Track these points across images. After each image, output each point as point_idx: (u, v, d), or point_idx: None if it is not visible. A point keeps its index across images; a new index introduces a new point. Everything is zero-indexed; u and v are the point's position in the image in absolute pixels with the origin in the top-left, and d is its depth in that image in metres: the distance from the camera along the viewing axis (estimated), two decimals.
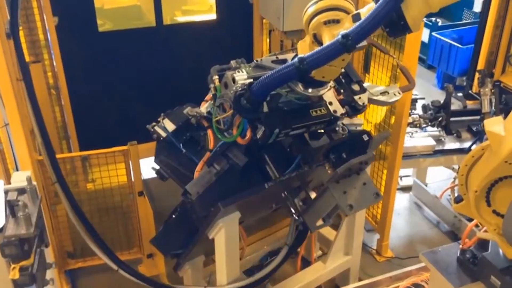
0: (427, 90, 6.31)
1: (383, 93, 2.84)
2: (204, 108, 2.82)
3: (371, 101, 2.78)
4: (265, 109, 2.42)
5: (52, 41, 3.76)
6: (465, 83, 4.93)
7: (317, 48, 2.07)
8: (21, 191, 2.11)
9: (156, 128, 2.98)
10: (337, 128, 2.74)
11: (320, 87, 2.48)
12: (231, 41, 4.33)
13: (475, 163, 2.07)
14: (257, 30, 4.38)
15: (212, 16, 4.37)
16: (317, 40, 2.29)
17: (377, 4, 1.91)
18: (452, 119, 4.17)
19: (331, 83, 2.58)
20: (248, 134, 2.51)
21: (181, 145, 2.92)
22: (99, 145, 3.41)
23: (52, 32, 3.73)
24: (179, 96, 3.11)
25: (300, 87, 2.44)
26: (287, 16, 3.59)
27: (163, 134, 2.95)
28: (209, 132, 2.77)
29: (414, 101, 4.10)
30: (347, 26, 2.11)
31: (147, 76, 4.22)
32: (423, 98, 4.36)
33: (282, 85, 2.36)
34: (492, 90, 4.03)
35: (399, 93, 2.90)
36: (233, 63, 2.57)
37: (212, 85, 2.53)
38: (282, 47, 4.29)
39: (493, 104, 4.02)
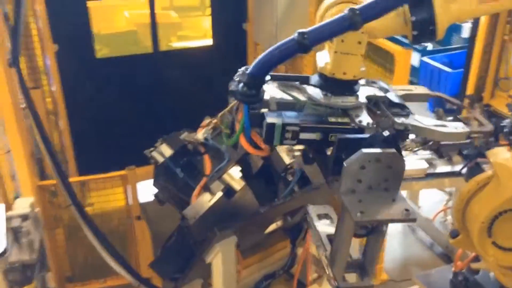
0: (418, 113, 6.37)
1: (438, 126, 2.33)
2: (200, 134, 2.88)
3: (420, 130, 2.27)
4: (273, 106, 2.25)
5: (51, 68, 3.84)
6: (455, 107, 5.03)
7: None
8: (24, 217, 2.16)
9: (153, 153, 3.03)
10: None
11: (344, 95, 2.24)
12: (227, 66, 4.41)
13: (472, 197, 2.10)
14: (251, 55, 4.48)
15: (209, 41, 4.47)
16: None
17: None
18: (443, 142, 4.25)
19: (362, 99, 2.26)
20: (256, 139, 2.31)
21: (178, 170, 2.97)
22: (97, 169, 3.47)
23: (51, 59, 3.81)
24: (176, 121, 3.18)
25: (319, 94, 2.25)
26: (280, 41, 3.69)
27: (161, 159, 3.00)
28: (206, 157, 2.83)
29: None
30: None
31: (144, 101, 4.30)
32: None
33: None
34: (481, 115, 4.12)
35: (462, 128, 2.31)
36: None
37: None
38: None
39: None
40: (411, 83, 6.84)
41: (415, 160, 4.14)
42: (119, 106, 4.23)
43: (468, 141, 4.26)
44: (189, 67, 4.39)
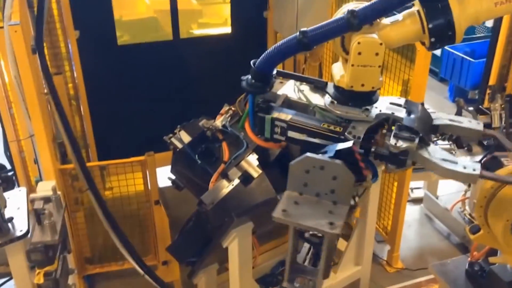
0: (439, 103, 6.36)
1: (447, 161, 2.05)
2: (219, 121, 2.92)
3: (424, 161, 2.07)
4: (279, 102, 2.35)
5: (73, 54, 3.90)
6: (477, 97, 4.97)
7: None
8: (46, 200, 2.23)
9: (173, 139, 3.08)
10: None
11: (360, 107, 2.21)
12: (246, 54, 4.41)
13: (494, 193, 2.10)
14: (270, 44, 4.48)
15: (227, 29, 4.48)
16: (344, 49, 2.23)
17: None
18: None
19: (373, 113, 2.21)
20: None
21: (196, 156, 3.02)
22: (116, 154, 3.53)
23: (73, 45, 3.87)
24: (195, 108, 3.21)
25: (330, 102, 2.26)
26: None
27: (179, 145, 3.05)
28: (224, 144, 2.86)
29: None
30: (381, 30, 2.09)
31: (164, 88, 4.34)
32: (434, 112, 4.41)
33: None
34: (502, 106, 4.07)
35: (473, 168, 1.96)
36: None
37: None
38: (295, 62, 4.38)
39: (503, 119, 4.06)
40: (433, 72, 6.77)
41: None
42: (139, 92, 4.29)
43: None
44: (209, 54, 4.41)
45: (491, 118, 4.11)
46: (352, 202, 2.00)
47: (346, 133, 2.12)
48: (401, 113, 2.23)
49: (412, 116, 2.20)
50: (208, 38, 4.55)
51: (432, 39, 2.06)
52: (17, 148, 3.66)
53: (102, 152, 4.25)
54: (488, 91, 4.41)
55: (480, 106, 4.57)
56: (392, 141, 2.03)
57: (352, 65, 2.11)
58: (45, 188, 2.30)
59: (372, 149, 2.11)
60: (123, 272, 3.11)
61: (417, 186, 4.85)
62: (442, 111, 4.40)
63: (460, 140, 4.20)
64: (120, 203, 3.58)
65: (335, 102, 2.25)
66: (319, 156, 1.92)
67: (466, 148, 4.23)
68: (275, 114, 2.27)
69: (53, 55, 3.80)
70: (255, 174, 2.73)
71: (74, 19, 3.80)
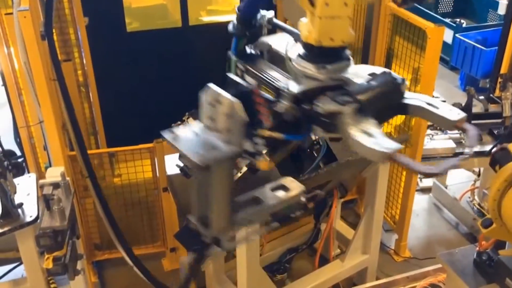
0: (449, 91, 6.30)
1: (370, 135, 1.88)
2: None
3: (344, 132, 1.92)
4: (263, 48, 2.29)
5: (82, 41, 3.89)
6: (488, 86, 4.93)
7: None
8: (55, 185, 2.24)
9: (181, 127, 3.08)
10: None
11: (331, 63, 2.07)
12: None
13: (508, 187, 2.07)
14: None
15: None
16: (311, 1, 2.06)
17: None
18: (473, 121, 4.16)
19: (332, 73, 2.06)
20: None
21: None
22: (125, 141, 3.54)
23: (82, 32, 3.86)
24: None
25: (297, 56, 2.13)
26: None
27: None
28: None
29: None
30: None
31: (173, 75, 4.33)
32: (444, 101, 4.37)
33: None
34: None
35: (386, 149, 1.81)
36: None
37: None
38: None
39: None
40: (443, 60, 6.70)
41: (443, 139, 4.10)
42: (148, 79, 4.29)
43: (499, 120, 4.20)
44: (218, 41, 4.37)
45: (502, 107, 4.07)
46: (251, 149, 1.99)
47: (281, 87, 2.08)
48: (361, 80, 2.09)
49: (365, 84, 2.05)
50: (217, 25, 4.52)
51: None
52: (27, 134, 3.69)
53: (111, 139, 4.27)
54: (499, 79, 4.36)
55: (491, 95, 4.53)
56: (322, 101, 1.96)
57: (320, 18, 1.98)
58: (54, 174, 2.31)
59: (307, 107, 2.02)
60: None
61: None
62: (452, 100, 4.40)
63: None
64: (129, 190, 3.60)
65: (302, 57, 2.10)
66: (219, 90, 1.91)
67: None
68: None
69: (63, 42, 3.80)
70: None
71: (84, 6, 3.79)
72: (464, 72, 6.53)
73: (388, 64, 3.81)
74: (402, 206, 3.93)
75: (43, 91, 2.72)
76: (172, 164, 3.37)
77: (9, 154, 3.93)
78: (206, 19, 4.61)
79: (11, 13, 2.87)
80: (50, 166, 3.01)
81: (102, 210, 3.01)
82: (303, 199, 2.29)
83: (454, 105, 4.15)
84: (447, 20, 6.90)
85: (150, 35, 4.23)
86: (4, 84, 3.63)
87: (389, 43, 3.75)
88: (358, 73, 2.13)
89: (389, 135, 3.86)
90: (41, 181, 2.28)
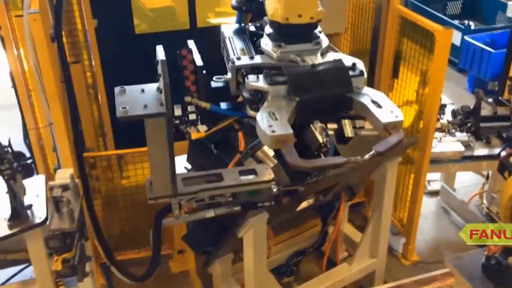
0: (457, 94, 6.27)
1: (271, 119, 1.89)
2: None
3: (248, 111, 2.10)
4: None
5: (91, 43, 3.91)
6: (496, 88, 4.90)
7: None
8: (64, 187, 2.25)
9: (188, 129, 3.09)
10: None
11: (289, 43, 2.04)
12: None
13: None
14: None
15: None
16: None
17: None
18: (481, 124, 4.16)
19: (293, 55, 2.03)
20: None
21: (212, 146, 3.02)
22: (133, 142, 3.54)
23: (91, 34, 3.88)
24: None
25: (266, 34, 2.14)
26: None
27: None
28: (240, 134, 2.86)
29: (443, 106, 4.11)
30: None
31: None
32: (453, 104, 4.36)
33: None
34: None
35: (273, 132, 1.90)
36: None
37: None
38: None
39: None
40: (452, 63, 6.67)
41: (451, 142, 4.08)
42: (156, 81, 4.29)
43: (508, 123, 4.18)
44: None
45: (511, 110, 4.05)
46: (177, 112, 2.10)
47: (231, 58, 2.12)
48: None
49: (305, 68, 1.96)
50: None
51: None
52: (36, 136, 3.71)
53: (119, 140, 4.28)
54: (508, 82, 4.34)
55: (499, 98, 4.50)
56: (252, 77, 1.93)
57: None
58: (64, 176, 2.32)
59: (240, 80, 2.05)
60: (139, 260, 3.16)
61: (434, 179, 4.81)
62: (461, 103, 4.38)
63: (478, 131, 4.15)
64: (137, 192, 3.60)
65: (283, 44, 2.06)
66: (160, 57, 2.09)
67: (484, 140, 4.18)
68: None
69: (72, 44, 3.82)
70: (271, 164, 2.73)
71: (93, 8, 3.81)
72: (473, 75, 6.50)
73: (396, 66, 3.81)
74: (410, 209, 3.92)
75: (53, 93, 2.74)
76: (180, 166, 3.38)
77: (19, 155, 3.95)
78: (214, 21, 4.61)
79: (21, 15, 2.89)
80: (59, 167, 3.02)
81: (88, 212, 3.01)
82: (274, 189, 2.26)
83: (462, 108, 4.18)
84: (456, 22, 6.87)
85: (158, 37, 4.24)
86: (14, 86, 3.65)
87: (397, 46, 3.74)
88: (325, 60, 2.05)
89: None
90: (50, 183, 2.30)
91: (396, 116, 1.85)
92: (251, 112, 1.97)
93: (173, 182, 2.08)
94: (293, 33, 1.99)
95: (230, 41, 2.29)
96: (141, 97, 2.02)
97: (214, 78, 2.15)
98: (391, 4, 3.64)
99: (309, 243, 3.83)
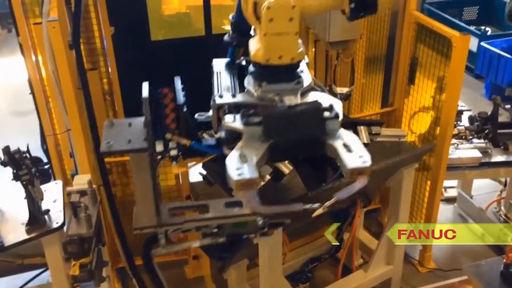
0: (474, 100, 6.21)
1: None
2: None
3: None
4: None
5: (108, 50, 3.95)
6: None
7: None
8: (82, 193, 2.28)
9: (204, 135, 3.10)
10: None
11: (270, 82, 2.05)
12: None
13: None
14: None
15: None
16: (256, 15, 2.03)
17: None
18: (499, 131, 4.12)
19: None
20: None
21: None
22: None
23: (108, 41, 3.92)
24: None
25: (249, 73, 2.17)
26: (333, 26, 3.64)
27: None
28: None
29: (460, 112, 4.08)
30: None
31: (196, 83, 4.36)
32: (470, 110, 4.33)
33: None
34: None
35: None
36: None
37: None
38: (327, 58, 4.35)
39: None
40: (468, 69, 6.61)
41: (468, 149, 4.04)
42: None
43: None
44: None
45: None
46: (159, 148, 2.13)
47: (214, 96, 2.17)
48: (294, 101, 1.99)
49: (281, 109, 1.93)
50: None
51: (352, 5, 1.90)
52: (54, 141, 3.75)
53: None
54: None
55: None
56: (229, 117, 1.93)
57: (265, 35, 1.92)
58: (81, 181, 2.35)
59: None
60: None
61: (451, 185, 4.76)
62: (478, 109, 4.35)
63: (496, 137, 4.11)
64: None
65: (264, 83, 2.07)
66: (144, 95, 2.22)
67: (502, 147, 4.14)
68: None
69: (89, 51, 3.86)
70: (286, 171, 2.73)
71: (110, 16, 3.85)
72: (490, 81, 6.43)
73: (412, 72, 3.79)
74: (426, 216, 3.88)
75: (71, 100, 2.77)
76: (195, 172, 3.39)
77: (36, 161, 4.00)
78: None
79: (40, 23, 2.93)
80: (77, 173, 3.05)
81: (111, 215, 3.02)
82: (260, 222, 2.30)
83: (480, 114, 4.14)
84: (472, 28, 6.82)
85: (174, 43, 4.27)
86: (32, 92, 3.70)
87: (413, 52, 3.72)
88: (304, 100, 2.05)
89: (413, 144, 3.82)
90: (68, 189, 2.32)
91: (364, 162, 1.80)
92: (227, 152, 1.99)
93: (157, 213, 2.18)
94: (274, 73, 2.01)
95: (217, 77, 2.36)
96: (127, 131, 2.09)
97: (196, 115, 2.24)
98: (407, 10, 3.63)
99: (324, 250, 3.82)
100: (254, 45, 2.08)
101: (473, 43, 6.34)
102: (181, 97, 2.28)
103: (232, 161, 1.77)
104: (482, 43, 6.38)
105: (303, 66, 2.19)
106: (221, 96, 2.13)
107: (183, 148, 2.19)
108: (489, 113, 4.15)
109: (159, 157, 2.25)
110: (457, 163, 3.97)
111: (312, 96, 2.06)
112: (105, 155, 2.06)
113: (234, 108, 2.11)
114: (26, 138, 3.26)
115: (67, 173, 3.76)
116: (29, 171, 2.28)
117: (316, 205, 1.91)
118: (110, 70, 4.02)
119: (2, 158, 2.22)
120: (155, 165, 2.19)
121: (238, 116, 1.90)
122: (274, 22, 1.90)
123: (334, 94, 3.26)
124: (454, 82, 3.38)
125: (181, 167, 3.29)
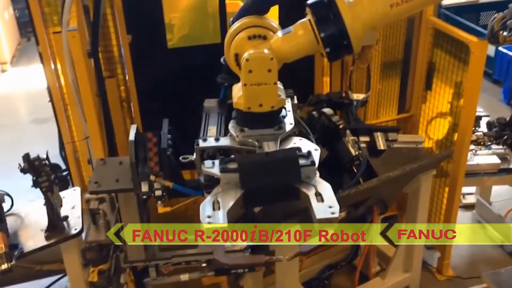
0: (492, 105, 6.15)
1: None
2: None
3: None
4: None
5: (125, 58, 3.99)
6: None
7: None
8: (101, 200, 2.30)
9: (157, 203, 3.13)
10: None
11: (251, 128, 2.13)
12: None
13: None
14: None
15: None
16: (238, 63, 2.13)
17: None
18: None
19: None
20: None
21: None
22: None
23: (125, 49, 3.96)
24: None
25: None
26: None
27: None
28: None
29: (478, 118, 4.04)
30: (273, 43, 2.03)
31: (213, 90, 4.38)
32: (488, 116, 4.28)
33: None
34: None
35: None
36: None
37: None
38: (342, 64, 4.34)
39: None
40: (486, 73, 6.55)
41: (487, 155, 4.00)
42: (188, 95, 4.34)
43: None
44: None
45: None
46: (144, 189, 2.18)
47: (198, 139, 2.21)
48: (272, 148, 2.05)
49: (260, 158, 1.96)
50: None
51: (328, 49, 1.93)
52: (72, 148, 3.79)
53: None
54: None
55: None
56: (208, 162, 1.98)
57: (245, 85, 2.00)
58: None
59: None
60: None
61: (469, 192, 4.71)
62: (496, 114, 4.30)
63: None
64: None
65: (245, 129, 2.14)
66: (130, 137, 2.29)
67: None
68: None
69: (107, 59, 3.91)
70: None
71: (127, 24, 3.89)
72: (508, 86, 6.36)
73: (429, 78, 3.76)
74: (444, 223, 3.84)
75: (90, 108, 2.81)
76: None
77: (55, 167, 4.05)
78: None
79: (59, 32, 2.98)
80: None
81: None
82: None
83: (498, 119, 4.09)
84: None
85: (190, 51, 4.29)
86: (51, 100, 3.75)
87: (430, 57, 3.70)
88: (283, 146, 2.09)
89: (430, 150, 3.79)
90: (87, 196, 2.35)
91: (332, 213, 1.79)
92: (206, 195, 2.03)
93: (146, 248, 2.36)
94: (255, 119, 2.09)
95: (205, 118, 2.42)
96: (117, 171, 2.26)
97: (180, 158, 2.31)
98: (423, 15, 3.61)
99: (341, 257, 3.79)
100: (235, 93, 2.20)
101: (490, 48, 6.26)
102: (165, 140, 2.40)
103: (205, 207, 1.80)
104: (500, 48, 6.31)
105: (288, 107, 2.28)
106: (204, 140, 2.20)
107: (168, 189, 2.25)
108: (507, 118, 4.10)
109: (144, 197, 2.31)
110: (475, 170, 3.92)
111: (294, 142, 2.11)
112: (94, 194, 2.30)
113: (218, 151, 2.16)
114: (45, 145, 3.31)
115: (84, 180, 3.80)
116: (48, 178, 2.31)
117: (280, 257, 1.94)
118: (127, 78, 4.06)
119: (22, 165, 2.26)
120: (142, 203, 2.35)
121: (217, 162, 1.93)
122: (253, 73, 1.97)
123: (350, 101, 3.25)
124: (472, 88, 3.35)
125: (167, 207, 3.38)
